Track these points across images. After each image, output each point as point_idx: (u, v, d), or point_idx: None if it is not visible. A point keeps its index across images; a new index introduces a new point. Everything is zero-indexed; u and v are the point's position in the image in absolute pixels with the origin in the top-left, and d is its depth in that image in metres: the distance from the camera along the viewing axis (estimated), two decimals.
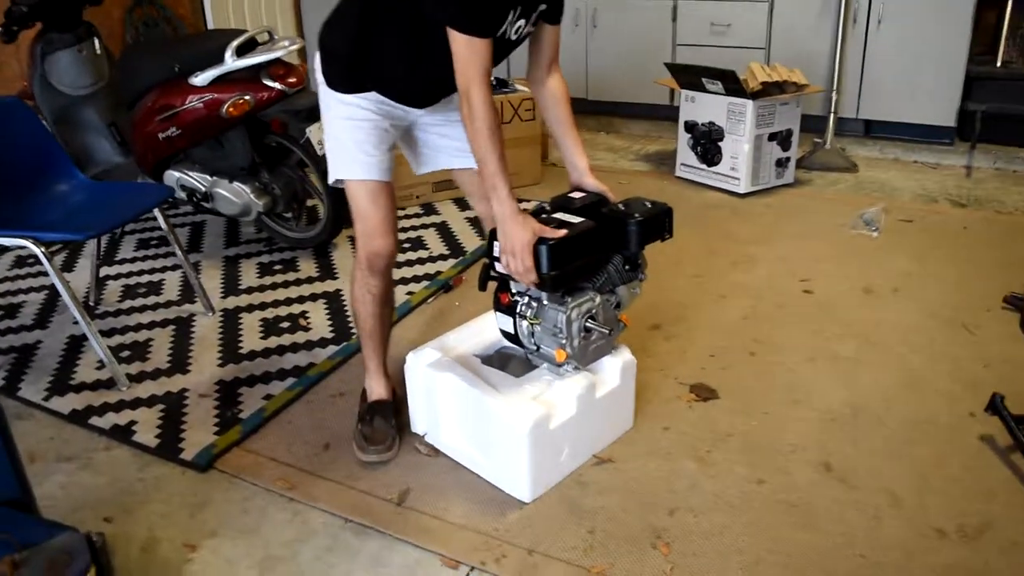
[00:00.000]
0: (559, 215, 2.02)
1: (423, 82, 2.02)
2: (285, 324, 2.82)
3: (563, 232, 1.88)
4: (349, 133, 2.02)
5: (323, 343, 2.69)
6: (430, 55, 1.88)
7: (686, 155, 4.16)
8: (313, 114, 3.05)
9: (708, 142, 3.99)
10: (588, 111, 5.33)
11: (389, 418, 2.20)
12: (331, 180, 2.09)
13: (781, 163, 3.98)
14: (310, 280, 3.15)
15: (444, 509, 1.96)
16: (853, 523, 1.89)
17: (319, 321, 2.83)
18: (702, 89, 3.95)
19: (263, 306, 2.96)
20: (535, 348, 2.05)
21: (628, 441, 2.18)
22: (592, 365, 2.08)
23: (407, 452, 2.16)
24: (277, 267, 3.29)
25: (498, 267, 1.98)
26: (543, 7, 1.95)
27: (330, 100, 2.03)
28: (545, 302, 1.98)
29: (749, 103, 3.74)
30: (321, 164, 3.07)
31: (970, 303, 2.85)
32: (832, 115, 4.33)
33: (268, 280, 3.17)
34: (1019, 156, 4.23)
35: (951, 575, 1.75)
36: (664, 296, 2.92)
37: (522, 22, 1.91)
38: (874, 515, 1.92)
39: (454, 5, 1.77)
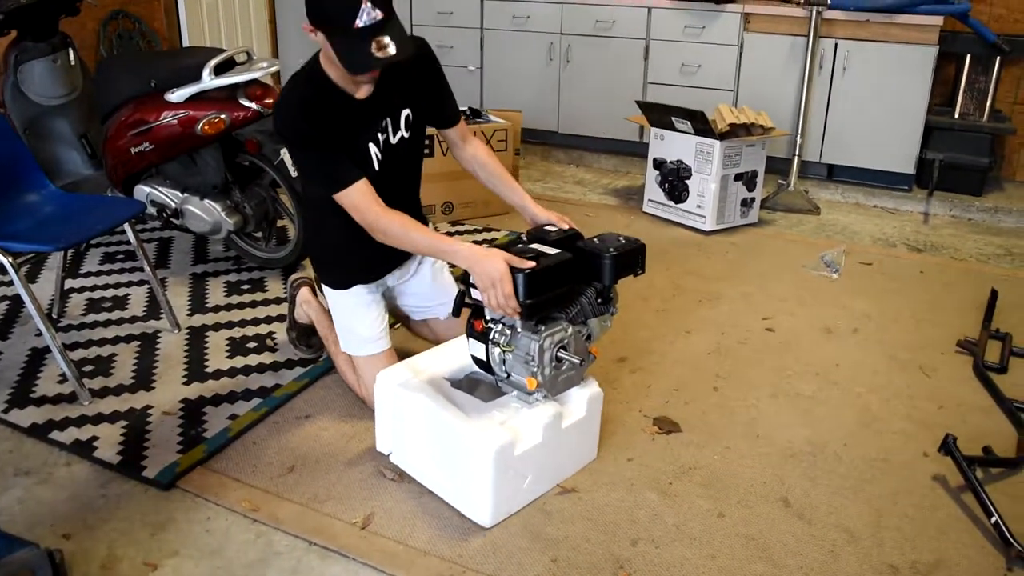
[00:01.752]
0: (535, 246, 2.06)
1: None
2: (252, 344, 2.81)
3: (531, 264, 1.92)
4: (350, 320, 2.37)
5: (289, 365, 2.68)
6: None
7: (654, 191, 4.24)
8: None
9: (676, 179, 4.07)
10: (559, 144, 5.41)
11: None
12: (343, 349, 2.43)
13: (746, 203, 4.07)
14: (278, 301, 3.14)
15: (408, 534, 1.96)
16: (810, 557, 1.94)
17: (285, 342, 2.82)
18: (671, 128, 4.04)
19: (230, 325, 2.95)
20: (506, 375, 2.07)
21: (592, 471, 2.21)
22: (560, 395, 2.11)
23: (372, 476, 2.16)
24: (245, 286, 3.28)
25: (474, 294, 2.00)
26: (407, 112, 2.19)
27: (328, 293, 2.39)
28: (519, 330, 2.01)
29: (717, 143, 3.83)
30: (294, 185, 3.08)
31: (926, 345, 2.94)
32: (796, 158, 4.44)
33: (236, 299, 3.16)
34: (974, 205, 4.37)
35: None
36: (631, 330, 2.97)
37: (393, 132, 2.18)
38: (831, 550, 1.96)
39: (320, 178, 2.08)
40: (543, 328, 1.99)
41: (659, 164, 4.16)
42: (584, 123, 5.22)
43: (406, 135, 2.23)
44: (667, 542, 1.97)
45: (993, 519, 2.01)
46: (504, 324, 2.03)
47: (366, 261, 2.33)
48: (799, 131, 4.48)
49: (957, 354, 2.89)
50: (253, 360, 2.71)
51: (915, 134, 4.39)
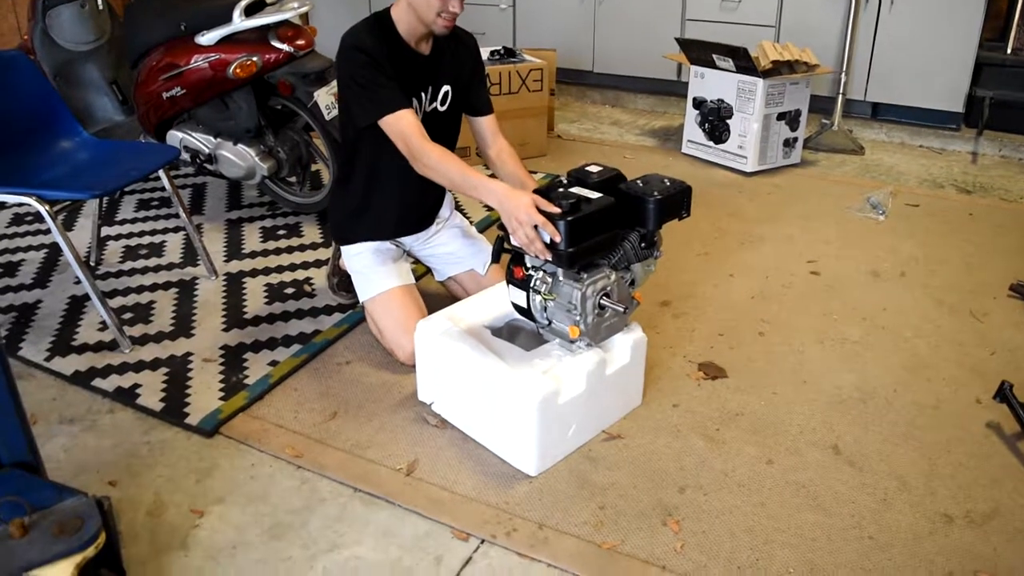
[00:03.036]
0: (576, 189, 2.00)
1: (401, 207, 2.38)
2: (290, 290, 2.79)
3: (556, 209, 1.87)
4: (362, 264, 2.40)
5: (328, 311, 2.66)
6: (398, 179, 2.25)
7: (693, 132, 4.13)
8: (321, 78, 3.01)
9: (716, 119, 3.96)
10: (594, 84, 5.29)
11: None
12: (360, 298, 2.44)
13: (788, 143, 3.96)
14: (314, 246, 3.12)
15: (453, 481, 1.95)
16: (861, 505, 1.90)
17: (324, 288, 2.80)
18: (712, 65, 3.92)
19: (267, 271, 2.93)
20: (547, 323, 2.04)
21: (637, 417, 2.18)
22: (603, 342, 2.07)
23: (415, 422, 2.15)
24: (280, 232, 3.26)
25: (513, 240, 1.96)
26: (447, 88, 2.29)
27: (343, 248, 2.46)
28: (560, 278, 1.96)
29: (760, 81, 3.71)
30: (328, 128, 3.03)
31: (976, 290, 2.85)
32: (840, 96, 4.30)
33: (271, 245, 3.14)
34: None
35: (959, 559, 1.76)
36: (673, 274, 2.91)
37: (429, 101, 2.26)
38: (883, 498, 1.92)
39: (369, 105, 2.09)
40: (585, 276, 1.94)
41: (699, 104, 4.04)
42: (620, 62, 5.09)
43: (440, 108, 2.32)
44: (715, 489, 1.94)
45: None
46: (545, 271, 1.99)
47: (376, 221, 2.39)
48: (844, 68, 4.32)
49: (1009, 299, 2.80)
50: (291, 306, 2.70)
51: (965, 71, 4.21)
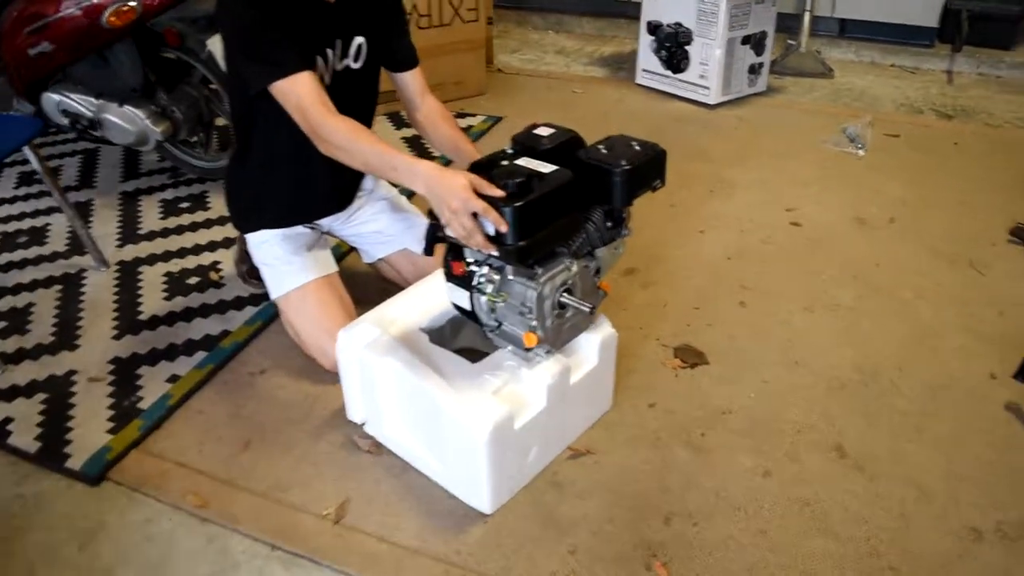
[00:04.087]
0: (524, 161, 1.61)
1: (313, 186, 1.98)
2: (193, 280, 2.38)
3: (500, 192, 1.48)
4: (268, 254, 2.00)
5: (239, 304, 2.27)
6: (307, 152, 1.72)
7: (649, 60, 3.73)
8: (213, 23, 2.55)
9: (675, 46, 3.55)
10: (534, 7, 4.83)
11: None
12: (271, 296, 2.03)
13: (754, 69, 3.58)
14: (222, 221, 2.68)
15: (393, 527, 1.61)
16: (877, 525, 1.61)
17: (234, 275, 2.38)
18: None
19: (167, 256, 2.51)
20: (496, 325, 1.67)
21: (609, 425, 1.85)
22: (566, 345, 1.72)
23: (344, 449, 1.80)
24: (184, 204, 2.82)
25: (448, 231, 1.58)
26: (360, 41, 1.86)
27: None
28: (510, 275, 1.59)
29: (722, 2, 3.31)
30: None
31: (973, 236, 2.56)
32: (807, 14, 3.90)
33: (173, 222, 2.70)
34: (1003, 61, 3.89)
35: None
36: (637, 233, 2.51)
37: (340, 57, 1.84)
38: (900, 513, 1.63)
39: (260, 65, 1.67)
40: (540, 270, 1.58)
41: (654, 28, 3.63)
42: None
43: (354, 65, 1.88)
44: (706, 515, 1.63)
45: None
46: (491, 266, 1.62)
47: (282, 204, 2.01)
48: None
49: (1010, 244, 2.52)
50: (195, 300, 2.29)
51: None
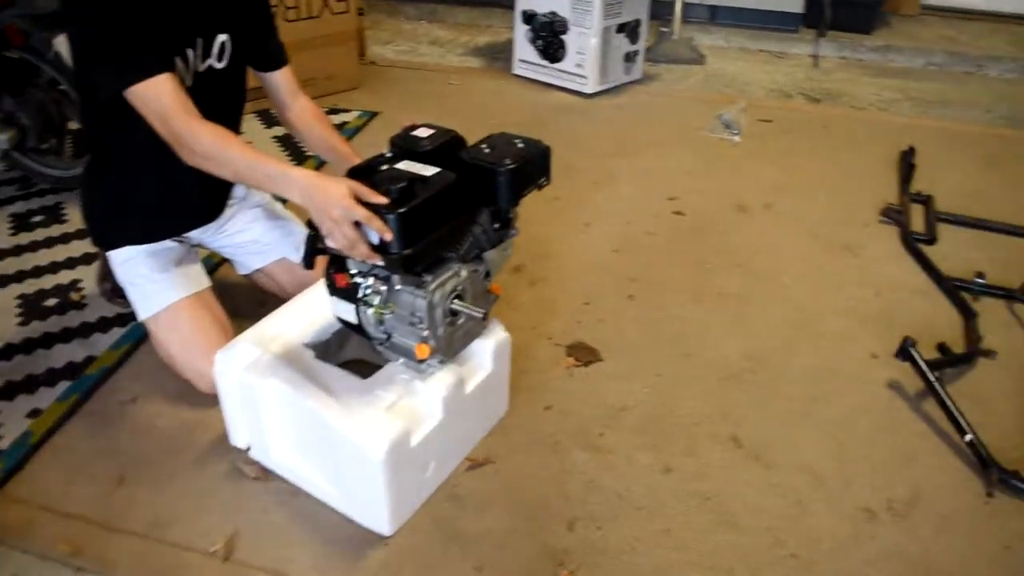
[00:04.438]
0: (404, 165, 1.54)
1: (180, 197, 1.83)
2: (52, 301, 2.20)
3: (383, 199, 1.41)
4: (133, 273, 1.84)
5: (104, 325, 2.10)
6: (171, 160, 1.59)
7: (525, 50, 3.70)
8: (59, 20, 2.34)
9: (550, 35, 3.53)
10: None
11: None
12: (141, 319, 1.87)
13: (630, 57, 3.60)
14: (80, 234, 2.48)
15: (287, 559, 1.52)
16: (776, 513, 1.63)
17: (96, 293, 2.21)
18: None
19: (20, 277, 2.30)
20: (385, 338, 1.60)
21: (506, 430, 1.81)
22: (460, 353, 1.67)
23: (229, 477, 1.68)
24: (37, 218, 2.59)
25: (329, 243, 1.49)
26: (223, 39, 1.73)
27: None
28: (397, 285, 1.52)
29: None
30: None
31: (846, 218, 2.64)
32: (679, 1, 3.96)
33: (25, 238, 2.48)
34: (863, 44, 4.06)
35: (891, 566, 1.52)
36: (523, 229, 2.50)
37: (202, 57, 1.71)
38: (797, 500, 1.66)
39: (113, 65, 1.53)
40: (429, 278, 1.51)
41: (529, 18, 3.60)
42: None
43: (218, 65, 1.75)
44: (610, 518, 1.61)
45: (968, 437, 1.75)
46: (377, 276, 1.54)
47: (146, 218, 1.84)
48: None
49: (881, 224, 2.61)
50: (55, 324, 2.11)
51: None
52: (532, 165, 1.62)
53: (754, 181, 2.85)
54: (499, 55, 4.09)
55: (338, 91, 3.58)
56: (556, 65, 3.59)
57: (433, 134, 1.64)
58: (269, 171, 1.50)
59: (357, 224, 1.41)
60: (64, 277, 2.30)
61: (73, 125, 2.82)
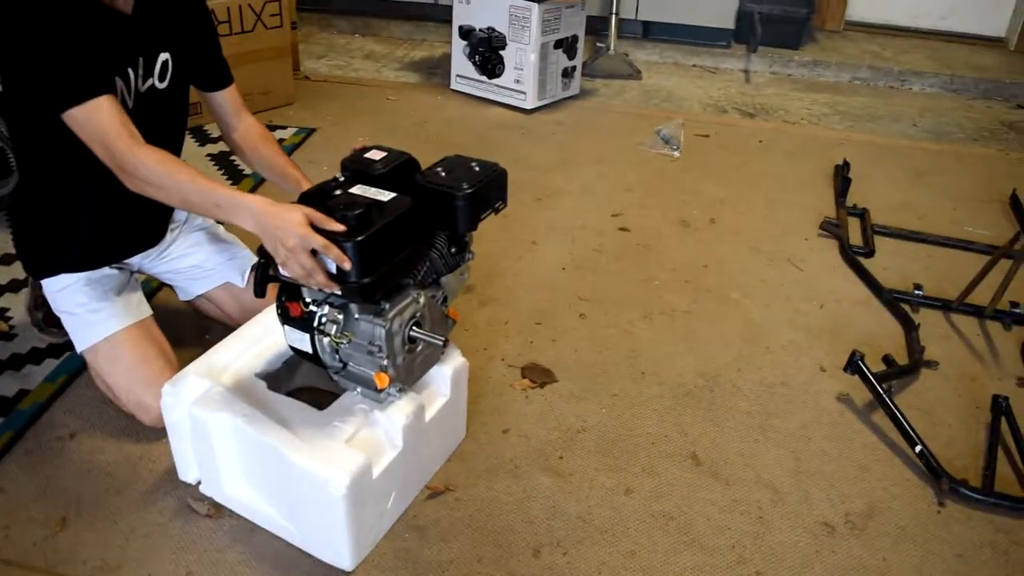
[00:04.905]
0: (359, 189, 1.50)
1: (118, 223, 1.76)
2: None
3: (340, 226, 1.37)
4: (70, 302, 1.76)
5: (36, 357, 2.00)
6: (108, 185, 1.53)
7: (463, 65, 3.67)
8: None
9: (488, 51, 3.52)
10: (339, 10, 4.65)
11: None
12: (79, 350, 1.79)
13: (567, 73, 3.61)
14: (8, 259, 2.37)
15: None
16: (739, 531, 1.63)
17: (26, 323, 2.10)
18: None
19: None
20: (342, 366, 1.56)
21: (464, 457, 1.78)
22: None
23: (179, 515, 1.61)
24: None
25: (283, 271, 1.44)
26: (165, 57, 1.67)
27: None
28: (355, 314, 1.48)
29: (534, 7, 3.30)
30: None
31: (787, 232, 2.69)
32: (614, 16, 3.99)
33: None
34: (792, 59, 4.16)
35: None
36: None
37: (144, 77, 1.64)
38: (758, 516, 1.67)
39: (49, 87, 1.45)
40: (387, 305, 1.48)
41: (466, 33, 3.58)
42: None
43: (160, 85, 1.68)
44: (575, 543, 1.59)
45: (918, 448, 1.79)
46: (332, 304, 1.49)
47: (83, 246, 1.76)
48: None
49: (821, 238, 2.66)
50: None
51: None
52: (489, 189, 1.60)
53: (695, 196, 2.89)
54: (436, 70, 4.06)
55: (274, 107, 3.50)
56: (494, 81, 3.58)
57: (385, 156, 1.61)
58: (219, 199, 1.44)
59: (314, 252, 1.37)
60: None
61: None
